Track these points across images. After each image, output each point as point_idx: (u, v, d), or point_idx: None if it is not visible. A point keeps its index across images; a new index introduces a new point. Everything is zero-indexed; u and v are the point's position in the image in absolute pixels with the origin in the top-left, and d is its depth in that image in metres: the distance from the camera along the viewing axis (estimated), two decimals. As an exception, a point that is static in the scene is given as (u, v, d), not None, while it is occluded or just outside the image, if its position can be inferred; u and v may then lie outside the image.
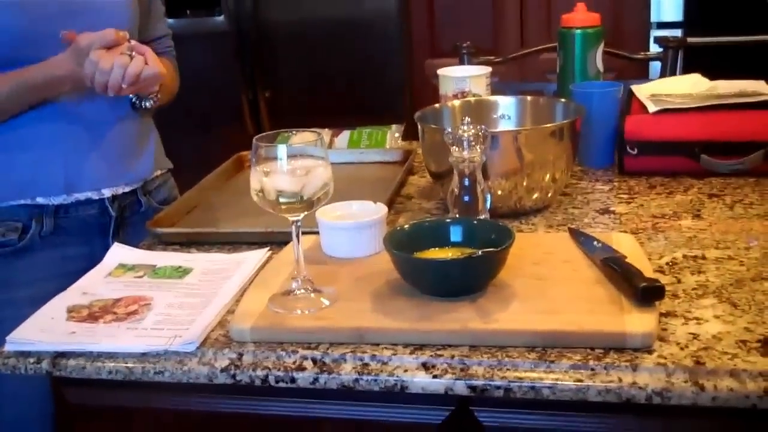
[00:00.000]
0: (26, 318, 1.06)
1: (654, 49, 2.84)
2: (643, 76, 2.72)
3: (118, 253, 1.27)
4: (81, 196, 1.48)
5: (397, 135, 1.78)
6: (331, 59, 3.24)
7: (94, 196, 1.49)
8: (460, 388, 0.89)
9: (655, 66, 2.41)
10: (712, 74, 1.67)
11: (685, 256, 1.13)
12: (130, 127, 1.55)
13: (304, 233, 1.07)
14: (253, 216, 1.27)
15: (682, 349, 0.89)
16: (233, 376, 0.94)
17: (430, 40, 3.37)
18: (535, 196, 1.32)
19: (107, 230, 1.53)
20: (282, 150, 0.99)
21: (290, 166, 1.00)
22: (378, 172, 1.62)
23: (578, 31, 1.66)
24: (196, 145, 2.84)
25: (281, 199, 1.00)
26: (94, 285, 1.16)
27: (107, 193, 1.51)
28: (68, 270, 1.29)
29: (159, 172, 1.65)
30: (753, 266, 1.09)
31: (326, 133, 1.77)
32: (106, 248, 1.29)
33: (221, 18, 3.24)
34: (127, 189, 1.55)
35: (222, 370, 0.94)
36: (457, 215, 1.17)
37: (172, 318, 1.04)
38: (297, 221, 1.02)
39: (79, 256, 1.46)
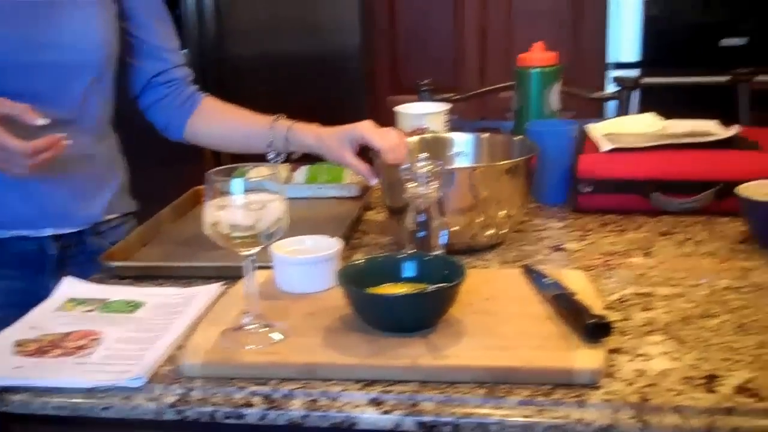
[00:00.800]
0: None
1: (612, 89, 2.90)
2: (601, 115, 2.77)
3: (69, 286, 1.25)
4: (17, 233, 1.43)
5: (355, 170, 1.78)
6: (293, 95, 3.26)
7: (32, 234, 1.44)
8: (409, 424, 0.89)
9: (613, 105, 2.46)
10: (670, 113, 1.70)
11: (634, 294, 1.15)
12: (86, 169, 1.49)
13: (259, 268, 1.07)
14: (208, 250, 1.26)
15: (628, 385, 0.90)
16: (180, 412, 0.93)
17: (393, 77, 3.41)
18: (490, 232, 1.33)
19: (44, 267, 1.47)
20: (236, 184, 0.99)
21: (244, 200, 1.00)
22: (336, 208, 1.62)
23: (535, 70, 1.69)
24: (156, 180, 2.82)
25: (234, 234, 1.00)
26: (43, 319, 1.15)
27: (48, 232, 1.46)
28: (2, 303, 1.27)
29: (114, 216, 1.59)
30: (701, 303, 1.11)
31: (285, 168, 1.77)
32: (45, 285, 1.26)
33: (185, 52, 3.23)
34: (73, 230, 1.49)
35: (170, 406, 0.93)
36: (413, 251, 1.18)
37: (121, 353, 1.03)
38: (250, 256, 1.02)
39: (14, 290, 1.42)
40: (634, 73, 3.07)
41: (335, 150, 1.42)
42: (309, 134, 1.47)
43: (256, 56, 3.27)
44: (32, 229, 1.45)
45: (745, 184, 1.34)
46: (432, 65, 3.31)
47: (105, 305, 1.18)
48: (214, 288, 1.22)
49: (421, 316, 1.00)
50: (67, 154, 1.38)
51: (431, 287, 1.02)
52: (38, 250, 1.47)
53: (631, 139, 1.55)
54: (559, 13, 3.25)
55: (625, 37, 3.12)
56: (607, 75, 3.16)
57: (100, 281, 1.30)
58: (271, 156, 1.51)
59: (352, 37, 3.24)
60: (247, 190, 1.00)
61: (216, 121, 1.62)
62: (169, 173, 3.10)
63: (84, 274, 1.33)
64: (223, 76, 3.24)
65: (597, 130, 1.63)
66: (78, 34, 1.41)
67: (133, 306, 1.17)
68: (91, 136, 1.49)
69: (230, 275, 1.25)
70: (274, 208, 1.01)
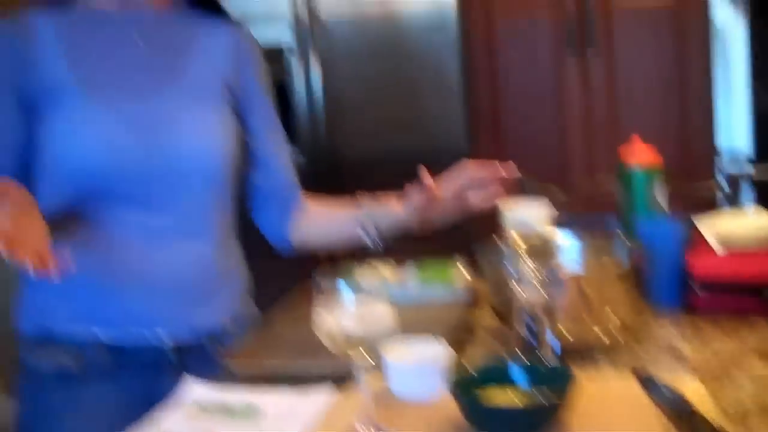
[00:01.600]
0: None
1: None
2: (711, 206, 2.71)
3: (193, 389, 1.29)
4: (137, 335, 1.44)
5: (463, 269, 1.79)
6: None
7: (153, 340, 1.45)
8: None
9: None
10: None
11: (755, 403, 1.11)
12: (201, 276, 1.50)
13: (373, 372, 1.09)
14: (325, 353, 1.29)
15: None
16: None
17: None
18: (600, 336, 1.32)
19: (164, 370, 1.45)
20: (347, 291, 1.03)
21: (356, 307, 1.03)
22: (445, 309, 1.62)
23: (637, 169, 1.67)
24: (268, 273, 2.87)
25: (346, 341, 1.03)
26: (169, 421, 1.19)
27: (167, 340, 1.46)
28: (122, 402, 1.35)
29: (233, 325, 1.55)
30: (826, 414, 1.07)
31: (391, 266, 1.78)
32: (163, 387, 1.30)
33: (295, 149, 3.35)
34: (189, 337, 1.48)
35: None
36: (522, 355, 1.18)
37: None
38: (363, 364, 1.05)
39: (133, 390, 1.43)
40: (745, 167, 3.00)
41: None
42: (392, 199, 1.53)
43: (362, 155, 3.35)
44: (146, 327, 1.44)
45: None
46: (537, 160, 3.32)
47: (228, 410, 1.21)
48: (329, 391, 1.23)
49: (535, 428, 1.00)
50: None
51: (541, 397, 1.02)
52: (157, 354, 1.46)
53: (743, 239, 1.52)
54: (667, 102, 3.23)
55: (735, 129, 3.06)
56: (717, 165, 3.09)
57: (221, 383, 1.32)
58: (367, 240, 1.54)
59: (457, 135, 3.29)
60: (357, 296, 1.04)
61: (317, 223, 1.66)
62: (280, 265, 3.17)
63: (201, 377, 1.34)
64: (330, 175, 3.32)
65: (707, 228, 1.60)
66: (197, 143, 1.46)
67: (253, 410, 1.20)
68: (205, 244, 1.50)
69: (346, 378, 1.26)
70: (383, 316, 1.04)
